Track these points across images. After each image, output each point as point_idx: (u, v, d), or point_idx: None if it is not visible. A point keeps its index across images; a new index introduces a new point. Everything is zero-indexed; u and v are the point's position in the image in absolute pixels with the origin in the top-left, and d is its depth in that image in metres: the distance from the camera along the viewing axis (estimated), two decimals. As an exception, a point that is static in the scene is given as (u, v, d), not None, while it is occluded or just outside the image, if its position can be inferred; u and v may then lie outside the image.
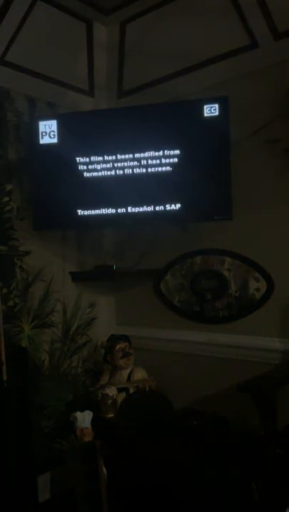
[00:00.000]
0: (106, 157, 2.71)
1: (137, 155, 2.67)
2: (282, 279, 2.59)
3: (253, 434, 2.35)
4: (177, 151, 2.63)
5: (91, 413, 2.51)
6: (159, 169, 2.65)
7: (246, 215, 2.62)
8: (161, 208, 2.65)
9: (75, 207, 2.75)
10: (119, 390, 2.71)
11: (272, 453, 2.18)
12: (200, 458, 2.15)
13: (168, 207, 2.65)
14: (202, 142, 2.61)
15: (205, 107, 2.58)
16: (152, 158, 2.65)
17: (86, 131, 2.77)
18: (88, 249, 3.21)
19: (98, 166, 2.72)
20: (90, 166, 2.73)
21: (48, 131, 2.76)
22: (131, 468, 2.20)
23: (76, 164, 2.74)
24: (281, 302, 2.58)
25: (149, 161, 2.66)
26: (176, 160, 2.63)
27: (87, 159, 2.73)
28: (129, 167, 2.69)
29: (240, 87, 2.65)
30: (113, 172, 2.71)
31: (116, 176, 2.71)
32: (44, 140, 2.76)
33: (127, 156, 2.68)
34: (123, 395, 2.70)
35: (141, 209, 2.68)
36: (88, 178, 2.73)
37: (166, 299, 3.05)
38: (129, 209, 2.70)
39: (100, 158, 2.71)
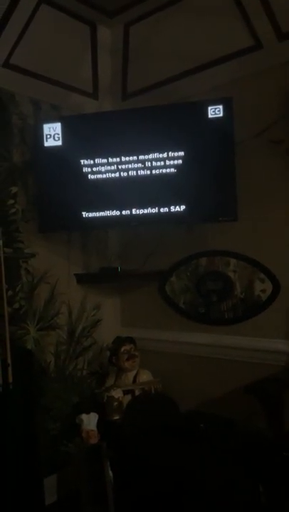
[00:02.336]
0: (110, 159, 2.71)
1: (141, 157, 2.67)
2: (287, 281, 2.57)
3: (260, 436, 2.34)
4: (181, 153, 2.63)
5: (96, 415, 2.52)
6: (164, 171, 2.65)
7: (251, 216, 2.62)
8: (166, 209, 2.65)
9: (79, 209, 2.75)
10: (125, 392, 2.71)
11: (280, 455, 2.16)
12: (206, 460, 2.14)
13: (172, 208, 2.64)
14: (206, 143, 2.60)
15: (209, 108, 2.58)
16: (156, 159, 2.65)
17: (90, 134, 2.77)
18: (93, 251, 3.21)
19: (102, 168, 2.72)
20: (94, 168, 2.73)
21: (53, 134, 2.77)
22: (136, 471, 2.20)
23: (80, 166, 2.74)
24: (287, 303, 2.57)
25: (154, 163, 2.66)
26: (180, 161, 2.63)
27: (92, 161, 2.73)
28: (133, 169, 2.69)
29: (244, 88, 2.64)
30: (117, 174, 2.71)
31: (120, 178, 2.71)
32: (49, 143, 2.77)
33: (131, 158, 2.68)
34: (129, 397, 2.70)
35: (145, 211, 2.68)
36: (93, 181, 2.74)
37: (171, 300, 3.04)
38: (134, 211, 2.70)
39: (105, 161, 2.72)
